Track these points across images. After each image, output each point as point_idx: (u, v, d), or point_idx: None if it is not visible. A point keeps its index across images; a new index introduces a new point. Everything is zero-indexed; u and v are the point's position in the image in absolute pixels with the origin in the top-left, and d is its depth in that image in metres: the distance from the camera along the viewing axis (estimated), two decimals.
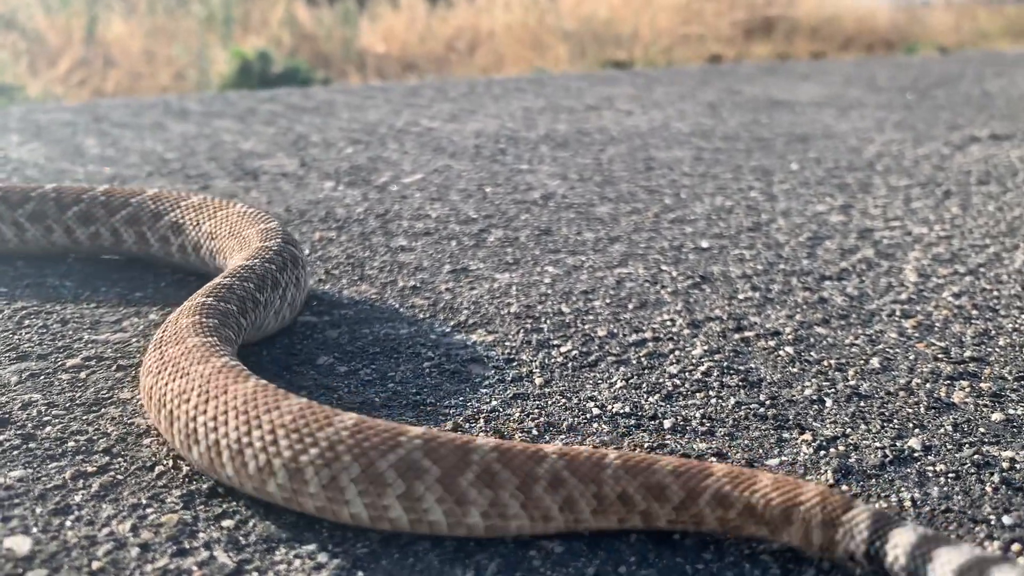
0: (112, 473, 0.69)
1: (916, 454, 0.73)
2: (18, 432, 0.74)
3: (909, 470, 0.71)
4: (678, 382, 0.86)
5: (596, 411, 0.80)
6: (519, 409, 0.80)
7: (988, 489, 0.68)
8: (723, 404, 0.81)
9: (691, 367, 0.89)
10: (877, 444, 0.74)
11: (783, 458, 0.72)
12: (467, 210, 1.48)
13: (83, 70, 4.36)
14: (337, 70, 4.90)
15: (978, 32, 6.10)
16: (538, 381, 0.86)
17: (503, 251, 1.26)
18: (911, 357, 0.92)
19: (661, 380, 0.86)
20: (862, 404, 0.82)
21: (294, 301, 0.97)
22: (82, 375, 0.86)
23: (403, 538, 0.61)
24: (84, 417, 0.77)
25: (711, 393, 0.83)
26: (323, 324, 0.99)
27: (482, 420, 0.78)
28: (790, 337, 0.96)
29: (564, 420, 0.78)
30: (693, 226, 1.39)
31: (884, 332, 0.98)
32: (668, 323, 1.00)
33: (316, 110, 2.57)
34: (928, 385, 0.85)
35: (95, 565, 0.58)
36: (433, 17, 5.77)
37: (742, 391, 0.84)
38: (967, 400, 0.82)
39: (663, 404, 0.81)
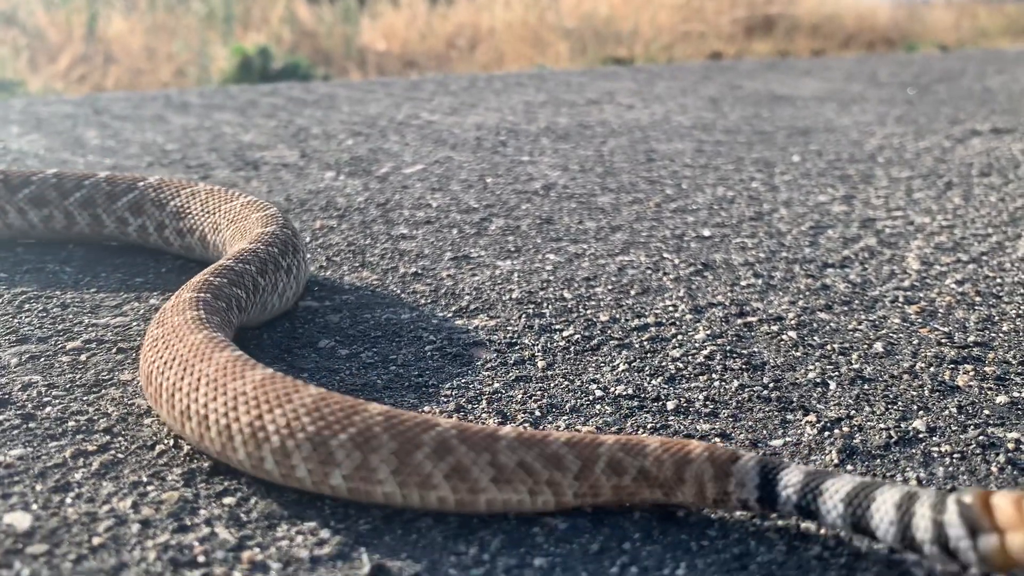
0: (112, 452, 0.68)
1: (921, 435, 0.73)
2: (18, 412, 0.74)
3: (914, 451, 0.70)
4: (681, 365, 0.85)
5: (599, 393, 0.80)
6: (521, 391, 0.80)
7: (994, 469, 0.67)
8: (726, 387, 0.81)
9: (694, 351, 0.88)
10: (882, 426, 0.74)
11: (787, 439, 0.72)
12: (468, 200, 1.47)
13: (83, 66, 4.36)
14: (338, 67, 4.89)
15: (978, 30, 6.10)
16: (540, 364, 0.85)
17: (504, 239, 1.26)
18: (914, 342, 0.91)
19: (664, 363, 0.86)
20: (866, 387, 0.81)
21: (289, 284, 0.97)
22: (82, 357, 0.85)
23: (405, 515, 0.60)
24: (84, 398, 0.77)
25: (714, 376, 0.83)
26: (324, 309, 0.99)
27: (484, 402, 0.78)
28: (793, 322, 0.96)
29: (567, 402, 0.78)
30: (695, 215, 1.39)
31: (887, 318, 0.98)
32: (670, 308, 1.00)
33: (317, 103, 2.57)
34: (932, 369, 0.85)
35: (95, 541, 0.57)
36: (433, 15, 5.77)
37: (745, 374, 0.84)
38: (971, 383, 0.82)
39: (666, 386, 0.81)
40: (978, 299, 1.04)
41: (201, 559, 0.56)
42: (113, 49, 4.66)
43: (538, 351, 0.88)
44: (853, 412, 0.76)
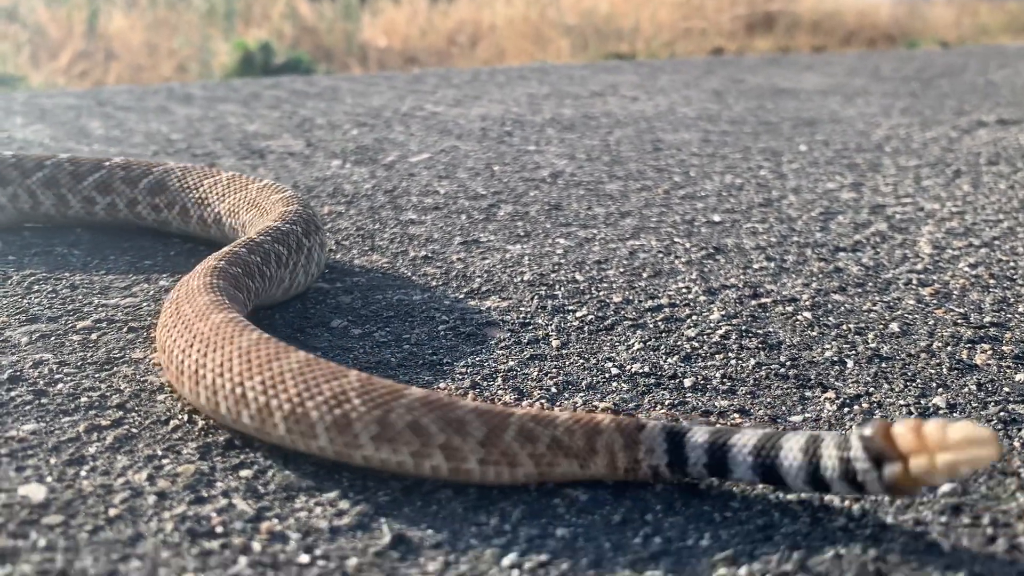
0: (126, 427, 0.67)
1: (942, 411, 0.72)
2: (30, 388, 0.73)
3: None
4: (696, 344, 0.85)
5: (615, 371, 0.79)
6: (537, 369, 0.79)
7: (1016, 444, 0.67)
8: (743, 365, 0.80)
9: (709, 331, 0.88)
10: (902, 402, 0.73)
11: (807, 415, 0.71)
12: (476, 187, 1.47)
13: (84, 62, 4.35)
14: (339, 63, 4.88)
15: (979, 27, 6.09)
16: (555, 343, 0.85)
17: (513, 224, 1.25)
18: (930, 322, 0.91)
19: (679, 343, 0.85)
20: (884, 365, 0.81)
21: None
22: (93, 336, 0.84)
23: (425, 486, 0.60)
24: (96, 375, 0.76)
25: (730, 355, 0.82)
26: (336, 290, 0.98)
27: (500, 379, 0.77)
28: (807, 303, 0.95)
29: (583, 379, 0.77)
30: (704, 202, 1.38)
31: (901, 299, 0.97)
32: (684, 290, 0.99)
33: (320, 95, 2.56)
34: (949, 348, 0.84)
35: (111, 512, 0.57)
36: (434, 11, 5.76)
37: (762, 353, 0.83)
38: (989, 362, 0.81)
39: (682, 364, 0.80)
40: (992, 281, 1.03)
41: (219, 529, 0.55)
42: (114, 45, 4.65)
43: (552, 331, 0.88)
44: (872, 389, 0.76)
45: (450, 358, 0.81)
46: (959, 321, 0.91)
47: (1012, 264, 1.09)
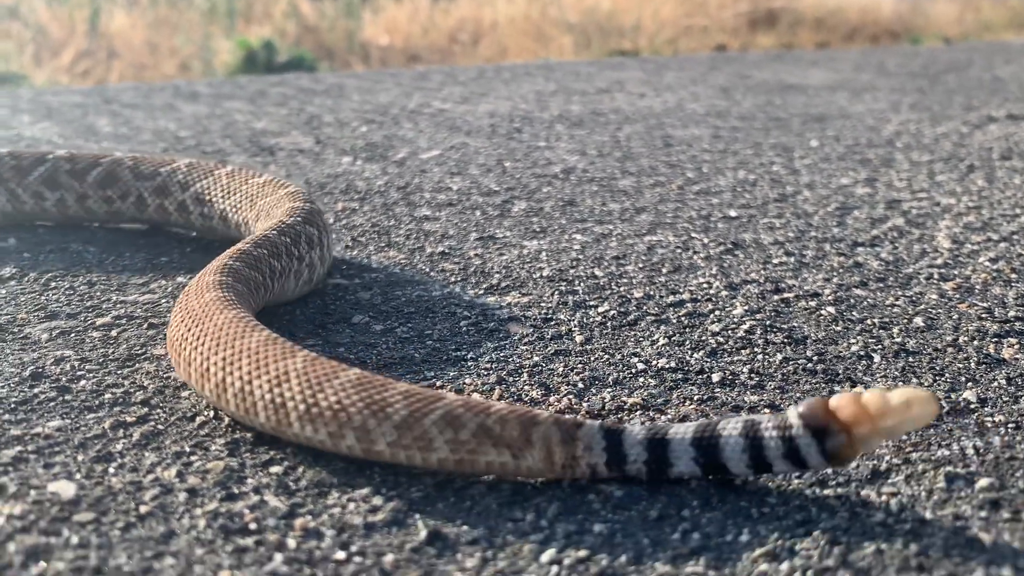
0: (152, 423, 0.67)
1: (972, 406, 0.71)
2: (53, 385, 0.72)
3: (967, 421, 0.69)
4: (721, 339, 0.84)
5: (641, 366, 0.78)
6: (562, 364, 0.78)
7: None
8: (770, 360, 0.80)
9: (733, 326, 0.87)
10: None
11: None
12: (488, 183, 1.46)
13: (87, 61, 4.34)
14: (341, 61, 4.87)
15: (982, 24, 6.08)
16: (578, 339, 0.84)
17: (529, 220, 1.24)
18: (955, 317, 0.90)
19: (704, 338, 0.84)
20: (911, 360, 0.80)
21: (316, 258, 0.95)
22: (113, 333, 0.84)
23: (457, 482, 0.59)
24: (119, 372, 0.75)
25: (756, 350, 0.82)
26: (354, 287, 0.98)
27: (525, 375, 0.76)
28: (830, 298, 0.95)
29: (609, 375, 0.76)
30: (719, 197, 1.37)
31: (924, 294, 0.97)
32: (705, 286, 0.98)
33: (326, 93, 2.55)
34: (976, 342, 0.84)
35: (143, 509, 0.56)
36: (436, 9, 5.75)
37: (788, 348, 0.82)
38: (1017, 356, 0.81)
39: (709, 360, 0.80)
40: (1014, 276, 1.02)
41: (252, 526, 0.54)
42: (116, 44, 4.64)
43: (575, 326, 0.87)
44: (901, 384, 0.75)
45: (474, 354, 0.80)
46: (983, 316, 0.91)
47: None
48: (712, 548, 0.53)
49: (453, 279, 1.00)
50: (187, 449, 0.63)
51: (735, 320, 0.89)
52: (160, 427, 0.66)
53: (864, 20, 5.92)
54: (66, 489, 0.58)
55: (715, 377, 0.76)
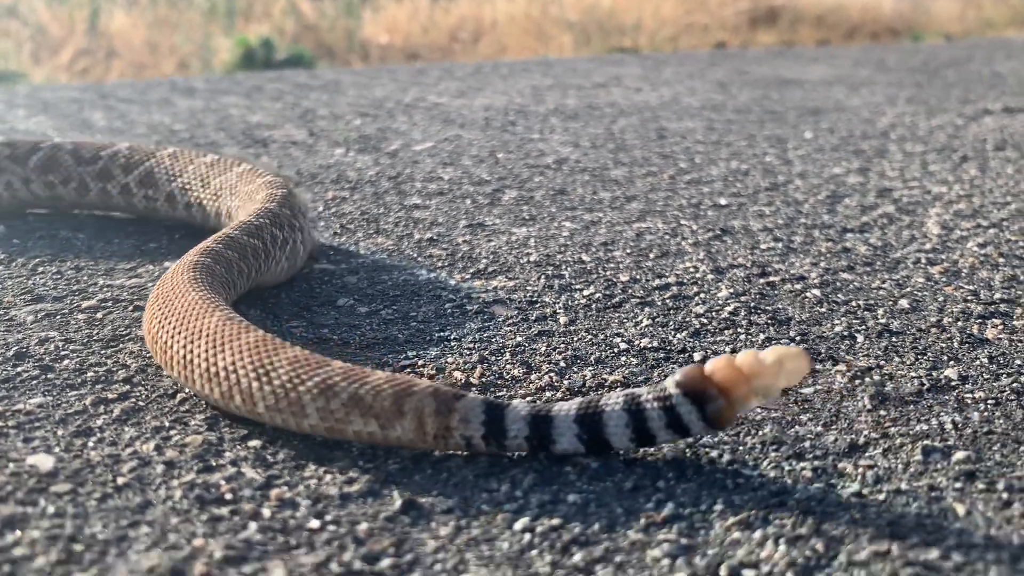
0: (133, 400, 0.67)
1: (953, 383, 0.71)
2: (36, 364, 0.73)
3: (947, 397, 0.69)
4: (705, 321, 0.84)
5: (623, 346, 0.78)
6: (545, 344, 0.79)
7: None
8: (753, 340, 0.80)
9: (718, 307, 0.87)
10: (913, 374, 0.73)
11: (818, 387, 0.71)
12: (480, 173, 1.46)
13: (86, 60, 4.35)
14: (340, 60, 4.88)
15: (984, 21, 6.08)
16: (562, 320, 0.84)
17: (519, 208, 1.24)
18: (940, 299, 0.90)
19: (688, 319, 0.85)
20: (894, 339, 0.80)
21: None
22: (99, 315, 0.84)
23: (435, 455, 0.59)
24: (102, 351, 0.76)
25: (739, 330, 0.82)
26: (341, 271, 0.98)
27: (508, 354, 0.76)
28: (816, 281, 0.95)
29: (591, 354, 0.77)
30: (710, 186, 1.37)
31: (911, 277, 0.97)
32: (691, 270, 0.98)
33: (323, 88, 2.56)
34: (960, 323, 0.84)
35: (120, 480, 0.56)
36: (436, 7, 5.76)
37: (771, 328, 0.82)
38: (1001, 336, 0.81)
39: (692, 340, 0.80)
40: (1001, 260, 1.02)
41: (228, 496, 0.55)
42: (115, 44, 4.65)
43: (560, 308, 0.87)
44: (883, 362, 0.75)
45: (457, 334, 0.80)
46: (969, 298, 0.91)
47: (1021, 244, 1.09)
48: (685, 517, 0.53)
49: (440, 264, 1.00)
50: (166, 424, 0.63)
51: (720, 302, 0.89)
52: (141, 403, 0.67)
53: (865, 18, 5.91)
54: (44, 462, 0.58)
55: (696, 356, 0.76)
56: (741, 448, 0.61)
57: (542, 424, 0.58)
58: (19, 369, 0.72)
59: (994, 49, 4.13)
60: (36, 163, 1.13)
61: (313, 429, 0.60)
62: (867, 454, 0.61)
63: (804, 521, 0.53)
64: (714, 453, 0.60)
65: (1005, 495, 0.56)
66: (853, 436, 0.63)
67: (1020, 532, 0.52)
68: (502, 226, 1.16)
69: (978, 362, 0.75)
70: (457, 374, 0.72)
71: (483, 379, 0.72)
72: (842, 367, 0.74)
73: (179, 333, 0.67)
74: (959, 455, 0.60)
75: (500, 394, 0.69)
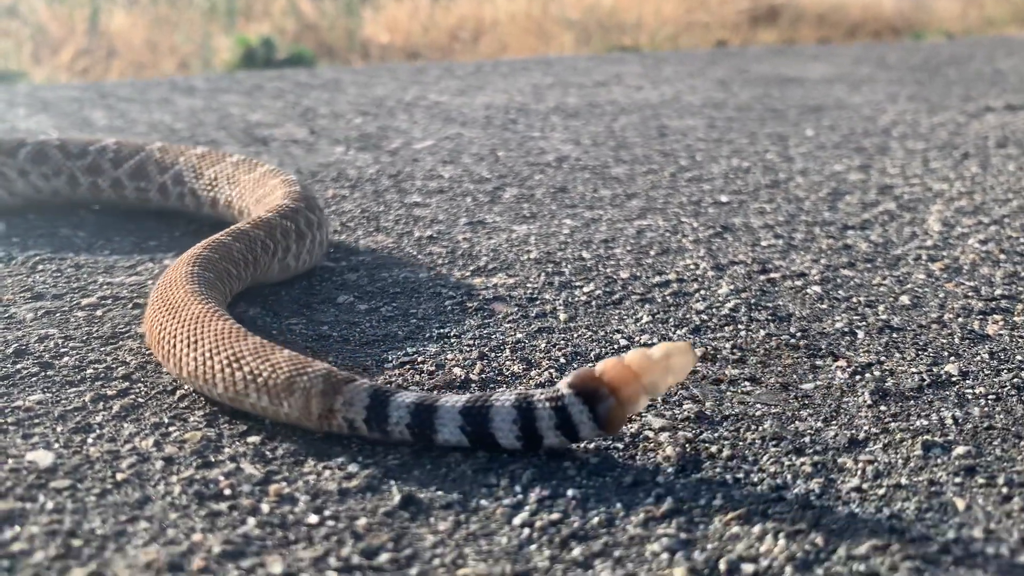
0: (132, 397, 0.67)
1: (954, 379, 0.71)
2: (35, 361, 0.73)
3: (948, 392, 0.69)
4: (705, 317, 0.84)
5: (623, 342, 0.78)
6: (545, 341, 0.78)
7: None
8: (753, 336, 0.80)
9: (718, 304, 0.87)
10: (914, 370, 0.73)
11: (818, 382, 0.70)
12: (480, 171, 1.46)
13: (86, 59, 4.35)
14: (341, 59, 4.88)
15: (985, 19, 6.07)
16: (562, 317, 0.84)
17: (519, 206, 1.24)
18: (941, 295, 0.90)
19: (688, 316, 0.84)
20: (895, 335, 0.80)
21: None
22: (98, 312, 0.84)
23: (435, 450, 0.59)
24: (102, 348, 0.76)
25: (740, 327, 0.82)
26: (341, 268, 0.98)
27: (508, 351, 0.76)
28: (817, 278, 0.95)
29: (591, 350, 0.76)
30: (711, 184, 1.37)
31: (911, 274, 0.96)
32: (692, 267, 0.98)
33: (323, 87, 2.56)
34: (960, 319, 0.84)
35: (119, 476, 0.56)
36: (436, 7, 5.76)
37: (772, 324, 0.82)
38: (1002, 332, 0.81)
39: (692, 336, 0.80)
40: (1003, 256, 1.02)
41: (227, 492, 0.54)
42: (115, 43, 4.65)
43: (560, 305, 0.87)
44: (883, 358, 0.75)
45: (457, 331, 0.80)
46: (970, 294, 0.90)
47: (1022, 240, 1.09)
48: (684, 512, 0.53)
49: (440, 262, 1.00)
50: (166, 420, 0.63)
51: (720, 299, 0.89)
52: (140, 400, 0.66)
53: (866, 16, 5.91)
54: (43, 458, 0.58)
55: (697, 352, 0.76)
56: (741, 443, 0.61)
57: (425, 413, 0.58)
58: (19, 366, 0.72)
59: (995, 47, 4.13)
60: (83, 165, 1.15)
61: (220, 398, 0.64)
62: (867, 449, 0.60)
63: (803, 516, 0.53)
64: (714, 448, 0.60)
65: (1005, 490, 0.56)
66: (853, 431, 0.63)
67: (1020, 527, 0.52)
68: (502, 224, 1.16)
69: (979, 358, 0.75)
70: (457, 370, 0.72)
71: (483, 375, 0.72)
72: (842, 363, 0.74)
73: (153, 303, 0.74)
74: (959, 450, 0.60)
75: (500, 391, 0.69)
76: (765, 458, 0.59)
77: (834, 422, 0.64)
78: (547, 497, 0.54)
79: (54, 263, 0.98)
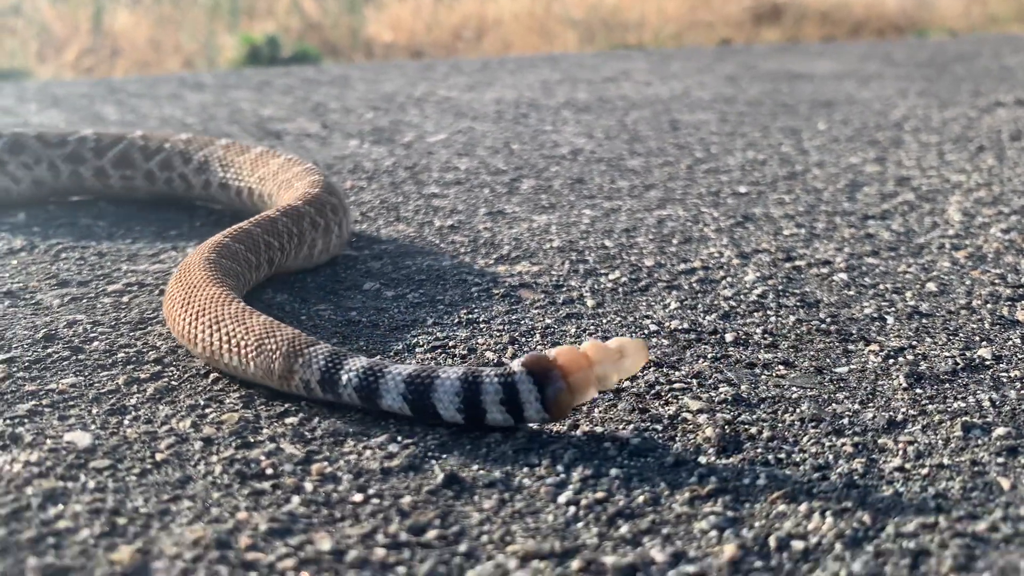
0: (166, 379, 0.67)
1: (987, 363, 0.71)
2: (66, 346, 0.72)
3: (983, 376, 0.69)
4: (734, 303, 0.84)
5: (654, 327, 0.78)
6: (574, 326, 0.78)
7: None
8: (783, 322, 0.79)
9: (745, 291, 0.87)
10: (946, 354, 0.73)
11: (851, 366, 0.70)
12: (496, 163, 1.46)
13: (90, 58, 4.35)
14: (345, 58, 4.88)
15: (988, 17, 6.07)
16: (590, 303, 0.84)
17: (537, 197, 1.24)
18: (967, 282, 0.90)
19: (716, 302, 0.84)
20: (924, 321, 0.80)
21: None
22: (125, 299, 0.84)
23: (473, 432, 0.59)
24: (131, 333, 0.75)
25: (769, 312, 0.82)
26: (364, 257, 0.97)
27: (538, 336, 0.76)
28: (842, 265, 0.94)
29: (622, 335, 0.76)
30: (728, 175, 1.37)
31: (936, 262, 0.96)
32: (716, 255, 0.98)
33: (332, 83, 2.56)
34: (989, 305, 0.83)
35: (158, 456, 0.56)
36: (440, 5, 5.76)
37: (801, 310, 0.82)
38: None
39: (722, 322, 0.79)
40: None
41: (269, 471, 0.54)
42: (119, 42, 4.65)
43: (586, 292, 0.87)
44: (915, 343, 0.75)
45: (486, 316, 0.80)
46: (996, 281, 0.90)
47: None
48: (730, 491, 0.53)
49: (463, 250, 1.00)
50: (201, 402, 0.63)
51: (747, 285, 0.88)
52: (174, 383, 0.66)
53: (869, 14, 5.91)
54: (82, 438, 0.58)
55: (728, 337, 0.76)
56: (780, 425, 0.61)
57: (371, 378, 0.59)
58: (49, 350, 0.72)
59: (1000, 44, 4.12)
60: (113, 156, 1.14)
61: (202, 357, 0.68)
62: (906, 430, 0.60)
63: (848, 494, 0.52)
64: (753, 430, 0.60)
65: None
66: (891, 413, 0.63)
67: None
68: (522, 214, 1.16)
69: (1011, 342, 0.75)
70: (489, 354, 0.72)
71: (515, 359, 0.71)
72: (875, 347, 0.74)
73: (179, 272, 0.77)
74: (999, 431, 0.60)
75: None
76: (805, 439, 0.59)
77: (871, 404, 0.64)
78: (590, 476, 0.54)
79: (77, 251, 0.97)
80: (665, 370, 0.69)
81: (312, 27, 5.16)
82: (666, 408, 0.63)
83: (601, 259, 0.97)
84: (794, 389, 0.66)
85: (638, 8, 5.73)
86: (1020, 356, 0.72)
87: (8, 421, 0.60)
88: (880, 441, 0.59)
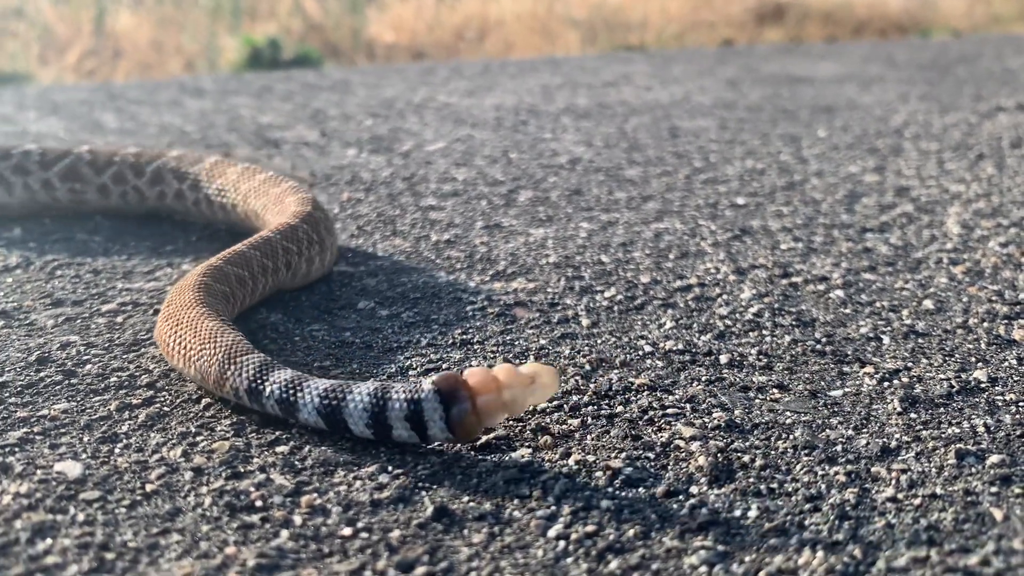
0: (158, 405, 0.67)
1: (983, 385, 0.71)
2: (58, 369, 0.72)
3: (978, 399, 0.68)
4: (729, 322, 0.83)
5: (648, 348, 0.78)
6: (569, 347, 0.78)
7: None
8: (778, 342, 0.79)
9: (741, 309, 0.87)
10: (942, 376, 0.72)
11: (846, 389, 0.70)
12: (494, 173, 1.45)
13: (92, 60, 4.35)
14: (346, 59, 4.88)
15: (991, 17, 6.05)
16: (585, 323, 0.84)
17: (535, 209, 1.24)
18: (964, 300, 0.89)
19: (712, 321, 0.84)
20: (920, 341, 0.79)
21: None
22: (119, 319, 0.84)
23: (464, 460, 0.59)
24: (124, 356, 0.75)
25: (764, 332, 0.81)
26: (360, 273, 0.97)
27: (532, 357, 0.76)
28: (839, 282, 0.94)
29: (616, 356, 0.76)
30: (726, 186, 1.37)
31: (933, 277, 0.96)
32: (712, 271, 0.98)
33: (332, 88, 2.55)
34: (986, 324, 0.83)
35: (148, 487, 0.56)
36: (442, 6, 5.75)
37: (796, 330, 0.82)
38: None
39: (717, 342, 0.79)
40: None
41: (259, 503, 0.54)
42: (121, 44, 4.65)
43: (581, 310, 0.87)
44: (911, 364, 0.75)
45: (480, 337, 0.80)
46: (993, 298, 0.90)
47: None
48: (721, 523, 0.53)
49: (459, 266, 1.00)
50: (192, 430, 0.63)
51: (743, 304, 0.88)
52: (166, 409, 0.66)
53: (872, 14, 5.89)
54: (72, 468, 0.58)
55: (723, 359, 0.75)
56: (773, 452, 0.60)
57: (290, 391, 0.61)
58: (42, 374, 0.71)
59: (1003, 45, 4.11)
60: (152, 173, 1.16)
61: (163, 358, 0.72)
62: (900, 458, 0.60)
63: (840, 526, 0.52)
64: (746, 458, 0.60)
65: None
66: (885, 439, 0.62)
67: None
68: (519, 227, 1.15)
69: (1007, 363, 0.75)
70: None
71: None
72: (870, 369, 0.73)
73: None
74: (993, 459, 0.59)
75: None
76: (798, 467, 0.59)
77: (865, 430, 0.64)
78: (580, 508, 0.54)
79: (72, 268, 0.97)
80: (659, 394, 0.69)
81: (314, 28, 5.16)
82: (659, 435, 0.63)
83: (597, 275, 0.96)
84: (788, 414, 0.66)
85: (640, 8, 5.72)
86: (1015, 378, 0.72)
87: None
88: (873, 469, 0.58)
